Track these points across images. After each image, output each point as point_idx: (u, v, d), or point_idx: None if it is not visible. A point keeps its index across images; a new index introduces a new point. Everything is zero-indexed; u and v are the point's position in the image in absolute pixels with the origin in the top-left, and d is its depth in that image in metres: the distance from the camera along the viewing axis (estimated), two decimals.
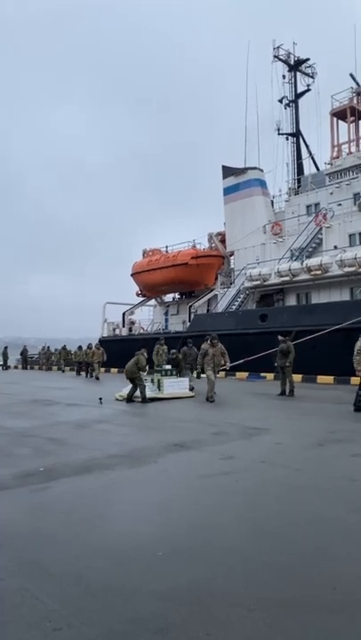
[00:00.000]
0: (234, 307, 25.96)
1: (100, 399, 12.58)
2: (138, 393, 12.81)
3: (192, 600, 2.78)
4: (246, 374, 20.20)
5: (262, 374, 19.56)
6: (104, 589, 2.91)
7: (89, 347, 24.73)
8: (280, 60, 29.33)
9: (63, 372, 29.60)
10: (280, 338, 14.19)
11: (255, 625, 2.54)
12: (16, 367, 35.93)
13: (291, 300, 24.05)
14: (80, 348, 26.15)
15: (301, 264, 22.32)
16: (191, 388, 14.30)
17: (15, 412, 11.08)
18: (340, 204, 23.26)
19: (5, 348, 35.15)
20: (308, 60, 29.69)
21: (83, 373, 25.19)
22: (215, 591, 2.88)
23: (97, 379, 22.04)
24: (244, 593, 2.85)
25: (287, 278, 22.94)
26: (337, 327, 18.07)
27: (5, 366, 34.18)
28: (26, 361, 35.11)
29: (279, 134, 29.21)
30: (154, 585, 2.96)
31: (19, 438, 7.90)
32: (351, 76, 25.11)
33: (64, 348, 31.93)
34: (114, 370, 25.90)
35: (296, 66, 29.64)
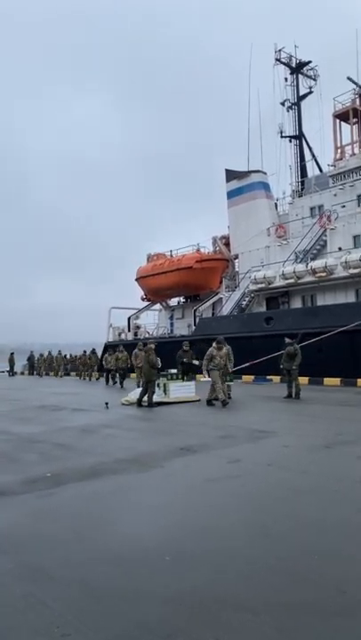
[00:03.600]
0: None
1: (107, 404, 12.60)
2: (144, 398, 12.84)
3: (199, 604, 2.77)
4: (252, 377, 20.16)
5: (268, 377, 19.52)
6: (111, 594, 2.91)
7: (117, 349, 20.86)
8: (282, 63, 29.46)
9: (98, 379, 25.49)
10: (287, 340, 14.11)
11: (263, 629, 2.53)
12: (22, 373, 36.00)
13: (296, 303, 24.03)
14: (110, 351, 21.78)
15: (306, 266, 22.32)
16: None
17: (22, 418, 11.11)
18: (344, 206, 23.25)
19: (12, 353, 35.19)
20: (309, 62, 29.82)
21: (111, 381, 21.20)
22: (222, 595, 2.88)
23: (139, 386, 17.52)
24: (251, 597, 2.84)
25: (292, 281, 22.94)
26: (343, 329, 18.03)
27: (12, 372, 34.24)
28: (33, 367, 35.17)
29: (282, 137, 29.32)
30: (161, 589, 2.96)
31: (26, 444, 7.91)
32: (349, 79, 25.12)
33: (93, 352, 27.73)
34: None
35: (298, 68, 29.75)
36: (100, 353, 28.59)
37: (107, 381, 21.82)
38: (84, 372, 27.21)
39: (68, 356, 34.21)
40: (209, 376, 12.68)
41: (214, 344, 13.00)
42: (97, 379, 25.79)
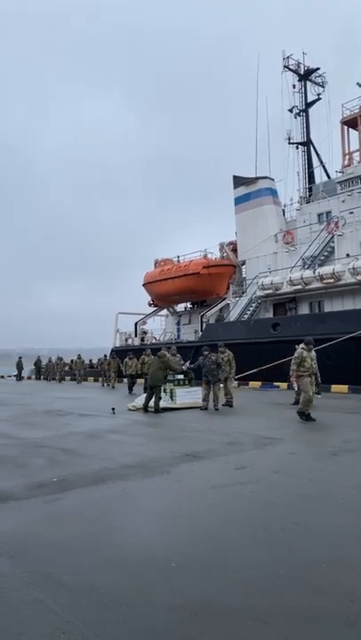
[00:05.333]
0: (246, 316, 25.93)
1: (113, 409, 12.59)
2: (149, 403, 12.83)
3: (207, 611, 2.75)
4: (259, 384, 20.10)
5: (275, 384, 19.45)
6: (118, 601, 2.90)
7: (144, 352, 19.17)
8: (290, 69, 29.53)
9: (113, 387, 23.35)
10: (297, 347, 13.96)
11: (271, 638, 2.51)
12: (29, 378, 36.13)
13: (303, 309, 23.95)
14: (130, 355, 19.89)
15: (314, 272, 22.25)
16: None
17: (29, 423, 11.13)
18: (351, 212, 23.18)
19: (20, 358, 35.41)
20: (318, 69, 29.87)
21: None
22: (230, 602, 2.85)
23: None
24: (259, 604, 2.82)
25: (299, 287, 22.87)
26: (350, 335, 17.93)
27: (19, 377, 34.39)
28: (39, 372, 35.30)
29: (290, 143, 29.32)
30: (168, 597, 2.94)
31: (32, 449, 7.92)
32: (359, 84, 25.16)
33: (114, 357, 25.54)
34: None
35: (306, 75, 29.80)
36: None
37: (130, 389, 19.41)
38: (105, 378, 24.80)
39: (90, 361, 34.01)
40: (298, 383, 10.67)
41: (303, 345, 10.72)
42: (112, 386, 23.54)
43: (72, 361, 31.86)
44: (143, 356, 19.01)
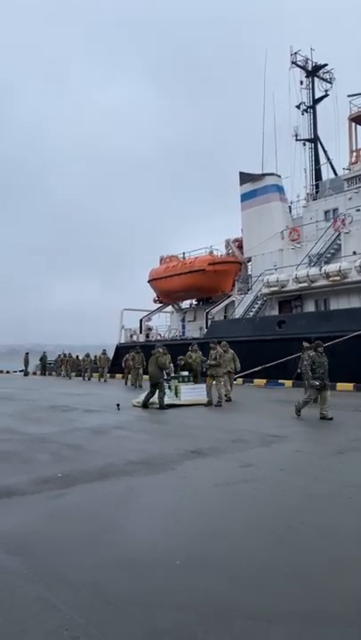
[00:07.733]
0: (251, 313, 25.88)
1: (118, 405, 12.61)
2: (153, 399, 12.84)
3: (211, 611, 2.74)
4: (264, 381, 20.05)
5: (280, 381, 19.40)
6: (122, 599, 2.89)
7: (191, 347, 16.47)
8: (298, 65, 29.34)
9: (141, 386, 19.88)
10: (305, 344, 13.86)
11: (276, 637, 2.49)
12: (35, 373, 36.28)
13: (309, 307, 23.87)
14: (164, 349, 16.00)
15: (320, 270, 22.15)
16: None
17: (34, 418, 11.15)
18: (358, 209, 23.05)
19: (26, 354, 35.65)
20: (326, 65, 29.65)
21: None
22: (234, 602, 2.84)
23: (228, 400, 13.86)
24: (264, 605, 2.80)
25: (305, 284, 22.78)
26: (356, 333, 17.86)
27: (26, 372, 34.63)
28: (45, 367, 35.44)
29: (297, 140, 29.15)
30: (172, 596, 2.92)
31: (37, 444, 7.93)
32: None
33: (138, 352, 21.58)
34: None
35: (314, 71, 29.61)
36: (111, 355, 28.31)
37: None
38: (130, 376, 21.87)
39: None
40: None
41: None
42: (139, 385, 20.53)
43: (96, 356, 28.85)
44: (190, 352, 16.94)
